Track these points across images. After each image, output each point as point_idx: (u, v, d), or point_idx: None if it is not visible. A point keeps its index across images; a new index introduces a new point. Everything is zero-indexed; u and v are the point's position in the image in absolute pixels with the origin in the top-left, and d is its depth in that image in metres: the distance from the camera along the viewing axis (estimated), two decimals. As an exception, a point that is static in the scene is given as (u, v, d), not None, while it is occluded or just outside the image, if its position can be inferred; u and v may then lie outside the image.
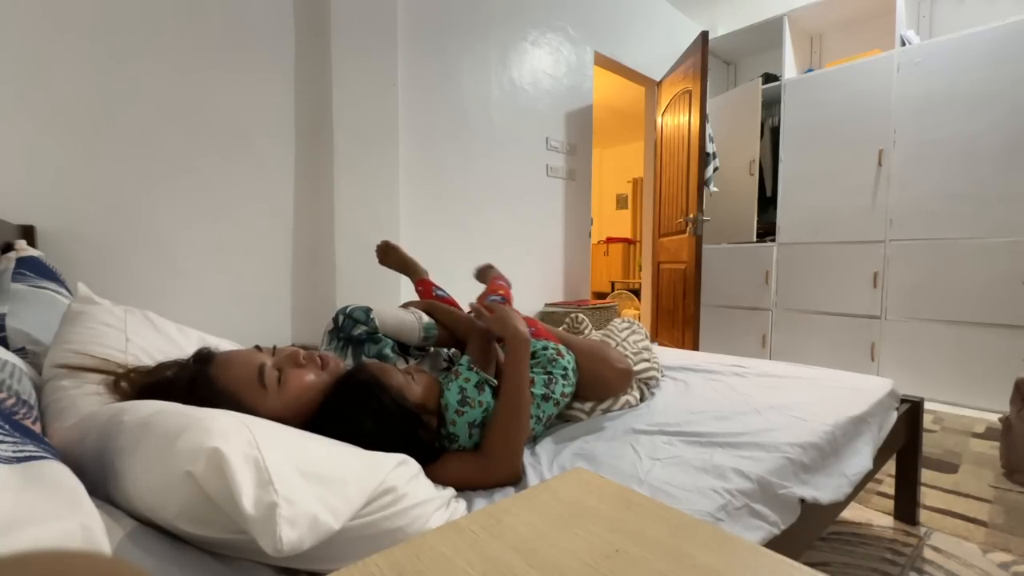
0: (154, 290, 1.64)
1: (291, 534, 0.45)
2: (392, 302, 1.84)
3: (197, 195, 1.72)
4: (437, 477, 0.73)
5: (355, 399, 0.77)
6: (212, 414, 0.54)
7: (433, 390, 0.90)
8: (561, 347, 1.12)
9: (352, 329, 1.07)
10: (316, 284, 2.02)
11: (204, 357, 0.76)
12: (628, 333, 1.46)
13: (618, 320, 1.54)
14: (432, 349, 1.19)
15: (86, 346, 0.83)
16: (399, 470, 0.63)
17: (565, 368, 1.07)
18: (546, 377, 1.04)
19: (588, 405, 1.15)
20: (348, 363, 1.05)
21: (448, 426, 0.86)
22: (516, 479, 0.84)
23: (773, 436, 0.99)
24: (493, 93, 2.63)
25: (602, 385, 1.16)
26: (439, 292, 1.42)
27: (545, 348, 1.11)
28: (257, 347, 0.81)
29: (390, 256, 1.60)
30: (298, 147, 1.96)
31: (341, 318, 1.08)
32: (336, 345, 1.08)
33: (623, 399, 1.19)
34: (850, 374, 1.49)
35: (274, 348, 0.82)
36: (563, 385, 1.04)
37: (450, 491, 0.73)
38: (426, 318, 1.15)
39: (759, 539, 0.77)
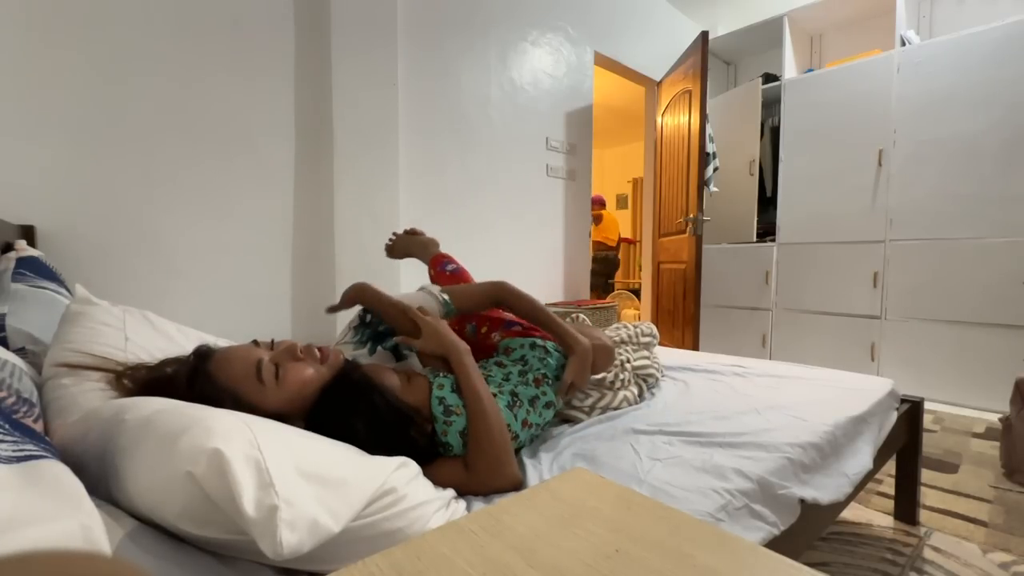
0: (154, 290, 1.64)
1: (291, 537, 0.45)
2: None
3: (197, 195, 1.72)
4: (432, 481, 0.73)
5: (346, 399, 0.76)
6: (213, 414, 0.54)
7: (428, 392, 0.89)
8: (547, 371, 1.04)
9: (379, 325, 1.06)
10: (316, 284, 2.02)
11: (203, 353, 0.76)
12: (635, 329, 1.45)
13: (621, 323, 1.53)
14: None
15: (86, 345, 0.83)
16: (400, 472, 0.63)
17: (549, 402, 1.00)
18: (532, 395, 0.97)
19: (588, 403, 1.14)
20: (365, 353, 1.05)
21: (441, 436, 0.85)
22: (513, 486, 0.81)
23: (773, 436, 0.99)
24: (493, 93, 2.63)
25: None
26: (448, 268, 1.40)
27: (542, 356, 1.05)
28: (255, 341, 0.80)
29: (396, 251, 1.61)
30: (298, 147, 1.96)
31: (369, 316, 1.07)
32: (359, 338, 1.07)
33: (621, 395, 1.19)
34: (850, 374, 1.49)
35: (272, 341, 0.81)
36: (544, 416, 0.99)
37: (450, 492, 0.73)
38: (441, 295, 1.14)
39: (759, 539, 0.77)
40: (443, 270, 1.40)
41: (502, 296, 1.14)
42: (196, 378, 0.72)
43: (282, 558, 0.45)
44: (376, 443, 0.70)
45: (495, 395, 0.90)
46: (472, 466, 0.80)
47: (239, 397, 0.71)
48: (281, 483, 0.47)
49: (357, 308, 1.12)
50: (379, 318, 1.07)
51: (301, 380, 0.76)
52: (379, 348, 1.08)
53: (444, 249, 1.60)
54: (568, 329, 1.06)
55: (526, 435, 0.94)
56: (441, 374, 0.93)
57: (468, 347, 0.93)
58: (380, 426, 0.76)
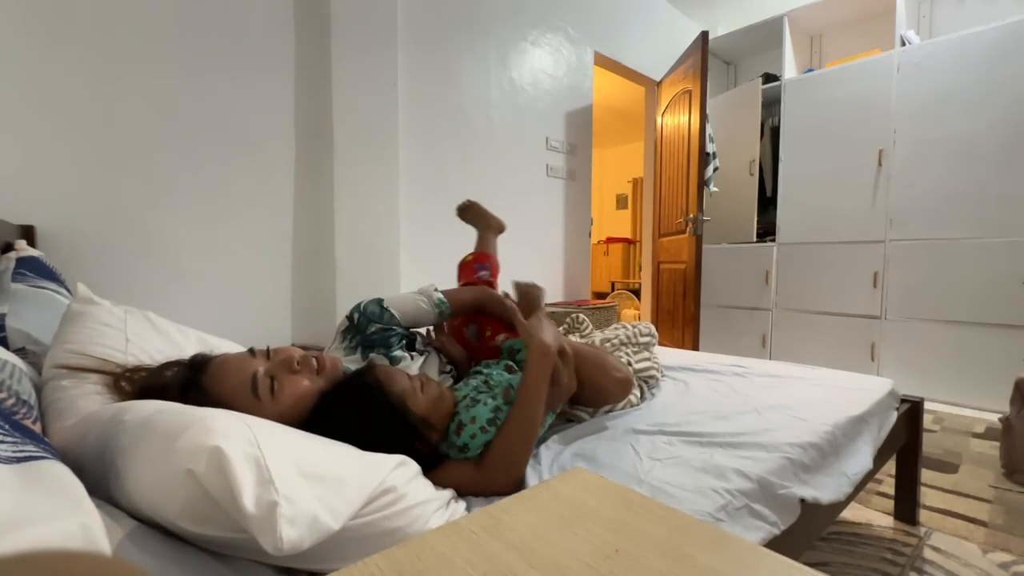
0: (154, 290, 1.64)
1: (291, 533, 0.45)
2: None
3: (197, 195, 1.72)
4: (435, 482, 0.73)
5: (352, 402, 0.75)
6: (213, 413, 0.54)
7: (442, 404, 0.85)
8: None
9: (367, 328, 1.05)
10: (316, 284, 2.02)
11: (198, 364, 0.75)
12: (633, 329, 1.45)
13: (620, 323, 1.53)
14: (432, 349, 1.19)
15: (86, 346, 0.83)
16: (399, 471, 0.63)
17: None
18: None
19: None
20: (356, 358, 1.04)
21: (465, 438, 0.83)
22: (516, 489, 0.80)
23: (773, 436, 0.99)
24: (493, 93, 2.63)
25: (601, 393, 1.12)
26: (481, 274, 1.39)
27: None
28: (251, 350, 0.79)
29: (468, 212, 1.66)
30: (298, 147, 1.96)
31: (356, 316, 1.06)
32: (349, 344, 1.06)
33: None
34: (850, 374, 1.49)
35: (268, 350, 0.80)
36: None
37: (449, 492, 0.72)
38: (436, 294, 1.14)
39: (759, 539, 0.77)
40: (477, 273, 1.39)
41: (482, 302, 1.19)
42: (190, 389, 0.71)
43: (282, 554, 0.45)
44: (375, 447, 0.70)
45: (506, 404, 0.89)
46: (492, 466, 0.79)
47: (235, 411, 0.70)
48: (281, 480, 0.48)
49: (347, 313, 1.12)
50: (369, 321, 1.06)
51: (296, 394, 0.75)
52: (370, 354, 1.07)
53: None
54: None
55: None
56: (490, 396, 0.92)
57: (554, 358, 0.91)
58: (381, 432, 0.74)
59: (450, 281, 1.52)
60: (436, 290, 1.16)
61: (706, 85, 2.80)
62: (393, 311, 1.06)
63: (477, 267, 1.41)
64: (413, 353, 1.12)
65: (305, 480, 0.50)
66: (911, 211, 2.72)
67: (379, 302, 1.07)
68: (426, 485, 0.67)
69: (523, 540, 0.42)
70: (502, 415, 0.86)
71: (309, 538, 0.47)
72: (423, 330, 1.23)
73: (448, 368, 1.17)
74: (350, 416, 0.74)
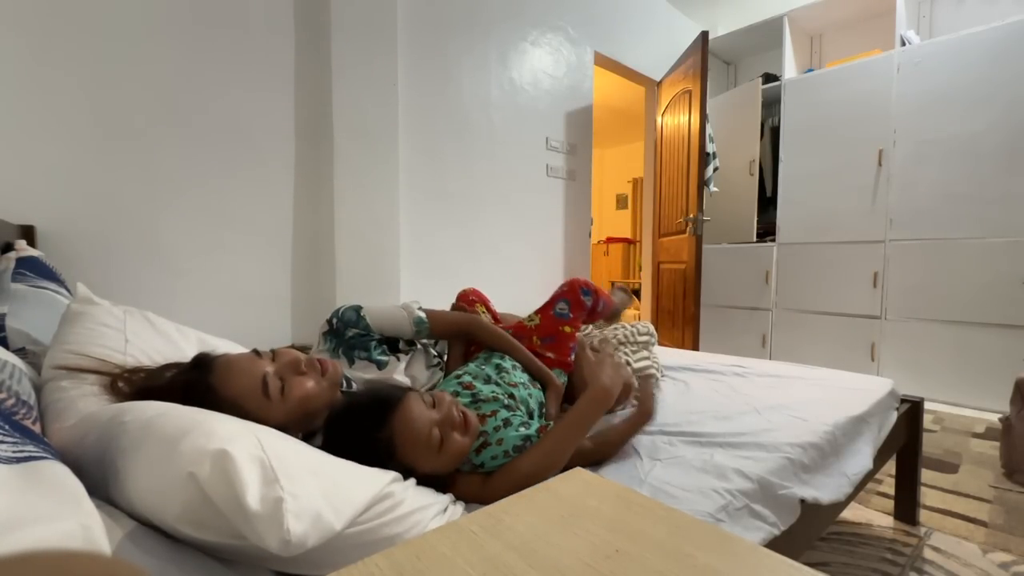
0: (154, 290, 1.64)
1: (297, 527, 0.45)
2: (392, 302, 1.84)
3: (197, 195, 1.72)
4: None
5: (357, 450, 0.70)
6: (215, 417, 0.54)
7: (459, 460, 0.79)
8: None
9: (345, 333, 1.06)
10: (316, 284, 2.02)
11: (203, 364, 0.75)
12: (632, 328, 1.46)
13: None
14: (420, 345, 1.19)
15: (85, 347, 0.82)
16: (398, 476, 0.63)
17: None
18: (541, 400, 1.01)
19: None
20: (341, 361, 1.05)
21: (485, 458, 0.81)
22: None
23: (773, 436, 0.99)
24: (493, 93, 2.63)
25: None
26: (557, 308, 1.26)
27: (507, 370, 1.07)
28: (255, 351, 0.79)
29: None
30: (298, 147, 1.96)
31: (335, 321, 1.07)
32: (330, 346, 1.07)
33: (624, 398, 1.19)
34: (850, 374, 1.49)
35: (272, 352, 0.80)
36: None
37: (448, 496, 0.72)
38: (418, 312, 1.13)
39: (759, 539, 0.77)
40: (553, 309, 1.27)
41: (471, 330, 1.16)
42: (196, 389, 0.71)
43: (288, 549, 0.45)
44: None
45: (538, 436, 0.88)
46: (503, 480, 0.78)
47: (245, 411, 0.69)
48: (286, 478, 0.48)
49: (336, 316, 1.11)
50: (346, 326, 1.05)
51: (304, 395, 0.76)
52: (356, 358, 1.06)
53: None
54: (541, 366, 1.12)
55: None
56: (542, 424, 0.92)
57: (609, 404, 0.93)
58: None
59: (449, 280, 1.52)
60: (420, 308, 1.15)
61: (706, 85, 2.80)
62: (368, 320, 1.07)
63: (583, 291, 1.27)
64: (399, 355, 1.12)
65: (309, 478, 0.51)
66: (911, 211, 2.72)
67: (356, 309, 1.08)
68: (424, 491, 0.67)
69: (523, 540, 0.42)
70: (530, 444, 0.84)
71: (314, 535, 0.47)
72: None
73: (436, 362, 1.18)
74: (354, 455, 0.69)
